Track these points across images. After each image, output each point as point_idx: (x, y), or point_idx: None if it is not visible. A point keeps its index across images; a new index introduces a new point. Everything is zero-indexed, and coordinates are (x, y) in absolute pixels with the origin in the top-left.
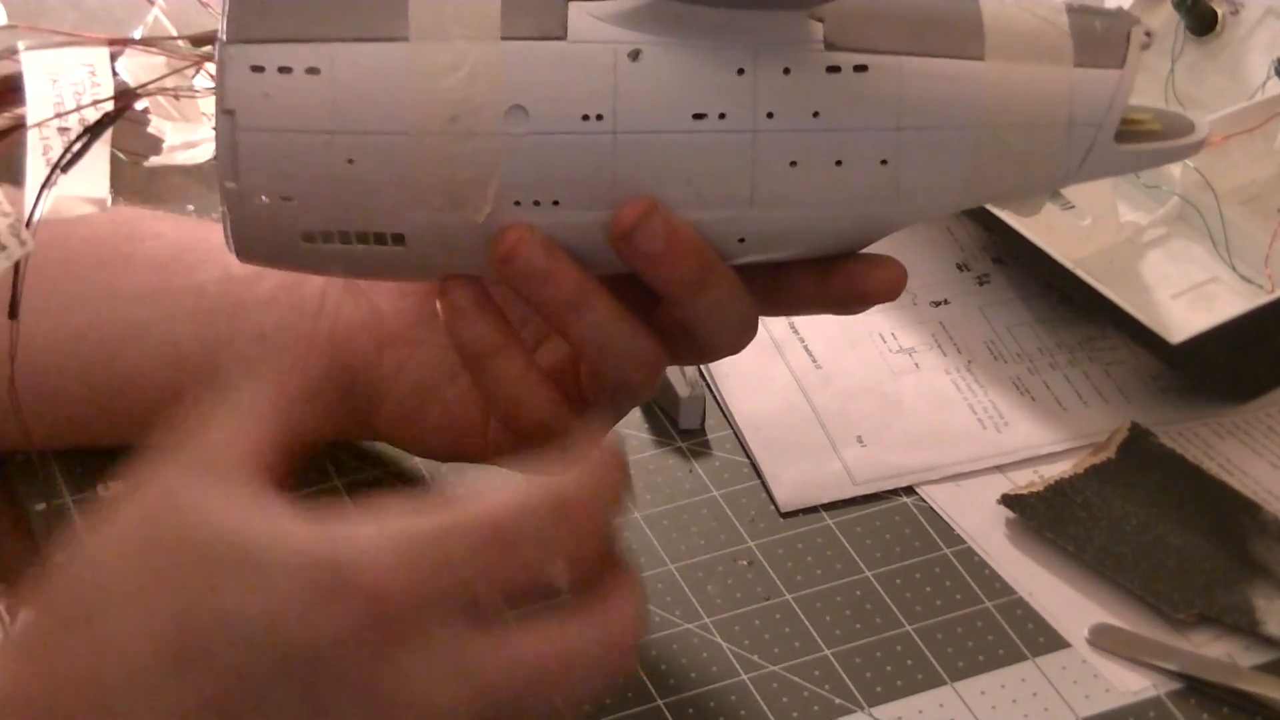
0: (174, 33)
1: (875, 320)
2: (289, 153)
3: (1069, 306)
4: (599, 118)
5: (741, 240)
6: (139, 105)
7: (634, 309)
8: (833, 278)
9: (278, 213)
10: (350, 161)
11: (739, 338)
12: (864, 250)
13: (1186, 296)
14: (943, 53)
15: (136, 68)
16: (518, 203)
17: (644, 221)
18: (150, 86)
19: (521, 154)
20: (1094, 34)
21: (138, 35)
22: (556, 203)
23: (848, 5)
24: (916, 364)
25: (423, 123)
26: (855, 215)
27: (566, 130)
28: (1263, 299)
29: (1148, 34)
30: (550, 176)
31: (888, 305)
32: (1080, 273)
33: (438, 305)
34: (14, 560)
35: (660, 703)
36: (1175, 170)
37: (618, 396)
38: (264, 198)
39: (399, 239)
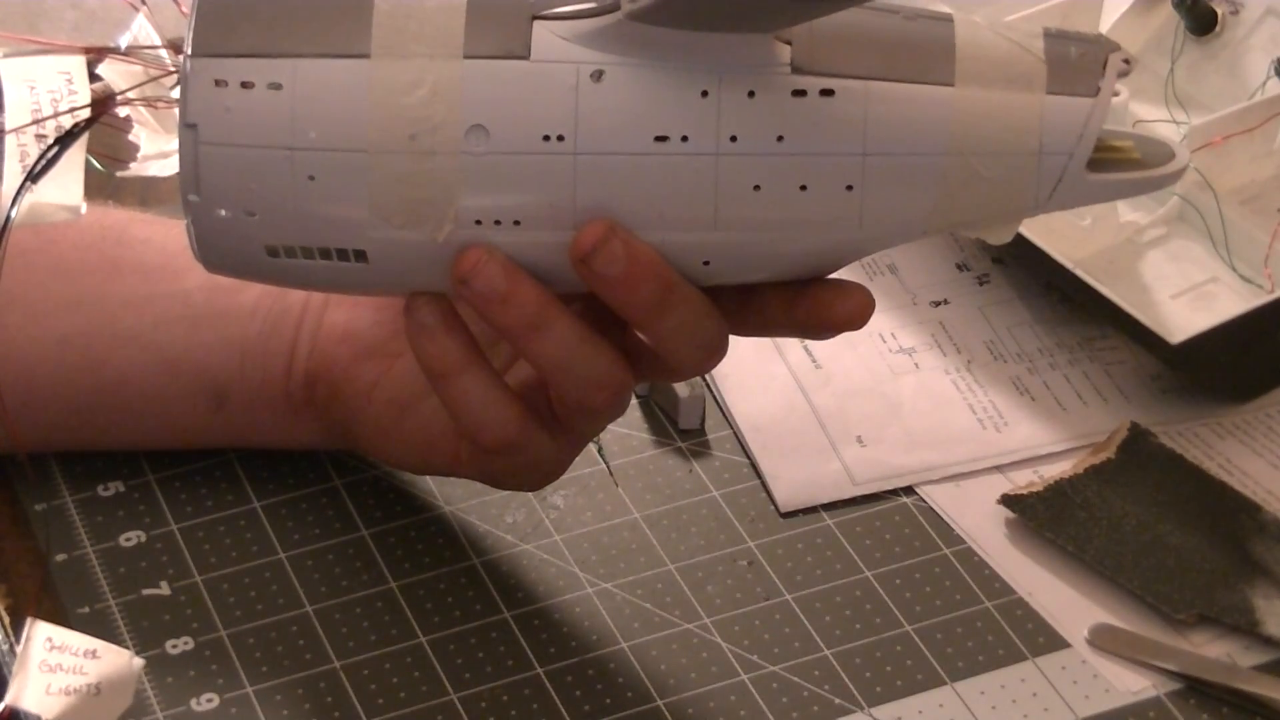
0: (158, 40)
1: (875, 320)
2: (250, 168)
3: (1069, 306)
4: (560, 138)
5: (706, 263)
6: (121, 112)
7: (606, 328)
8: (800, 303)
9: (240, 227)
10: (311, 178)
11: (706, 359)
12: (834, 275)
13: (1186, 296)
14: (911, 78)
15: (119, 75)
16: (479, 222)
17: (602, 245)
18: (124, 96)
19: (482, 174)
20: (1069, 60)
21: (125, 41)
22: (518, 223)
23: (818, 28)
24: (916, 364)
25: (383, 141)
26: (820, 240)
27: (527, 150)
28: (1263, 299)
29: (1127, 61)
30: (511, 197)
31: (887, 305)
32: (1080, 273)
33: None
34: (14, 560)
35: (660, 703)
36: None
37: (583, 417)
38: (226, 212)
39: (361, 256)
